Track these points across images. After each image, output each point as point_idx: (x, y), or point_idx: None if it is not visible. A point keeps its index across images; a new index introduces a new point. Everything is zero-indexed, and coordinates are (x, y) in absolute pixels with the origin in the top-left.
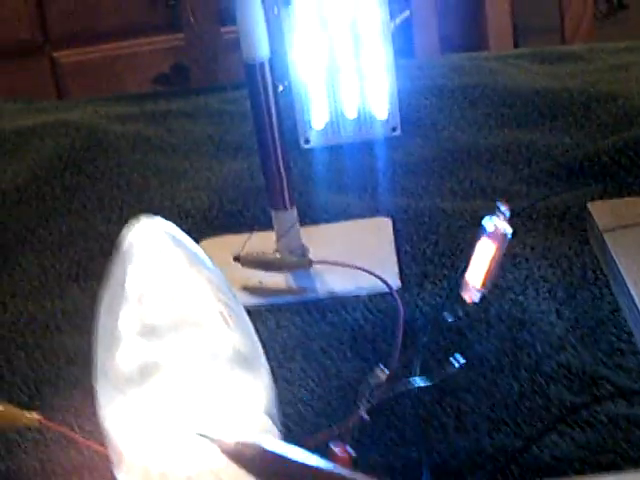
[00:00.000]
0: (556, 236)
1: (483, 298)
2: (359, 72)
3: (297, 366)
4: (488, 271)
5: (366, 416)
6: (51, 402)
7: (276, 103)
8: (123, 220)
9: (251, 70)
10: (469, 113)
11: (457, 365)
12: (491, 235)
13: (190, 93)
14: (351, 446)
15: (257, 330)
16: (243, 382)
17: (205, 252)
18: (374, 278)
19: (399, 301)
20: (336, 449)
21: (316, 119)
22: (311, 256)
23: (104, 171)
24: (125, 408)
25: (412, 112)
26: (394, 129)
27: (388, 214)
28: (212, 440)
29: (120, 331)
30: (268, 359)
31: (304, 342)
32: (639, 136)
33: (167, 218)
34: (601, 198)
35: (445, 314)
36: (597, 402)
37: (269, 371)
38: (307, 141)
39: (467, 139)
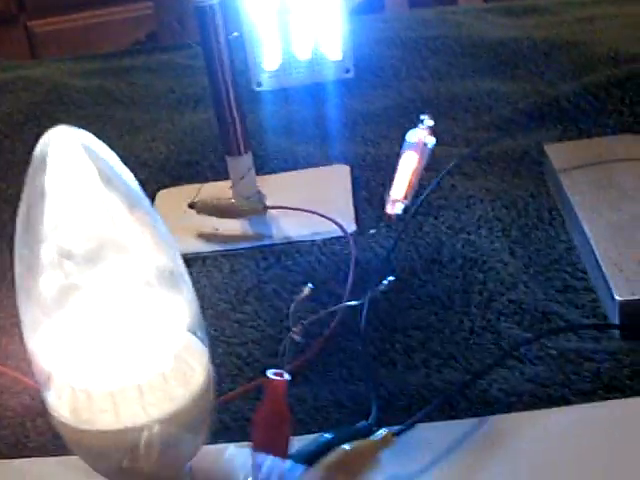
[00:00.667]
0: (513, 179)
1: (406, 211)
2: (311, 13)
3: (250, 308)
4: (410, 182)
5: (299, 338)
6: (5, 350)
7: (228, 46)
8: None
9: (201, 12)
10: (431, 63)
11: (386, 282)
12: (413, 147)
13: (155, 51)
14: (289, 373)
15: (212, 275)
16: (165, 300)
17: (162, 202)
18: (330, 223)
19: (351, 242)
20: (272, 375)
21: (268, 61)
22: (267, 203)
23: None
24: (49, 329)
25: (374, 63)
26: (347, 70)
27: (346, 162)
28: None
29: (40, 254)
30: (222, 303)
31: (258, 286)
32: (599, 81)
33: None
34: (562, 141)
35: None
36: (547, 336)
37: (191, 288)
38: (259, 84)
39: (428, 88)
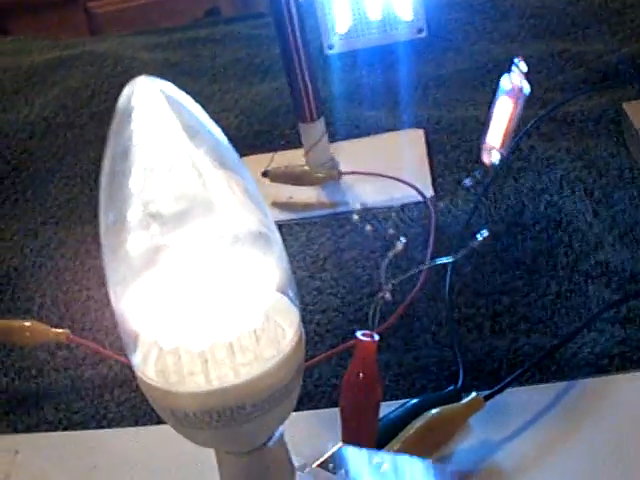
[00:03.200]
0: (592, 139)
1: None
2: None
3: (328, 276)
4: (507, 129)
5: (389, 296)
6: (81, 322)
7: (297, 10)
8: None
9: None
10: (501, 26)
11: (480, 238)
12: (509, 93)
13: (218, 23)
14: (377, 333)
15: (289, 244)
16: (253, 259)
17: None
18: (406, 188)
19: (431, 207)
20: (361, 336)
21: (339, 23)
22: (341, 169)
23: None
24: (137, 289)
25: (443, 27)
26: (420, 30)
27: (420, 126)
28: None
29: (127, 213)
30: (300, 270)
31: (335, 253)
32: None
33: None
34: (637, 99)
35: (465, 180)
36: (636, 297)
37: (282, 248)
38: (331, 47)
39: (499, 51)
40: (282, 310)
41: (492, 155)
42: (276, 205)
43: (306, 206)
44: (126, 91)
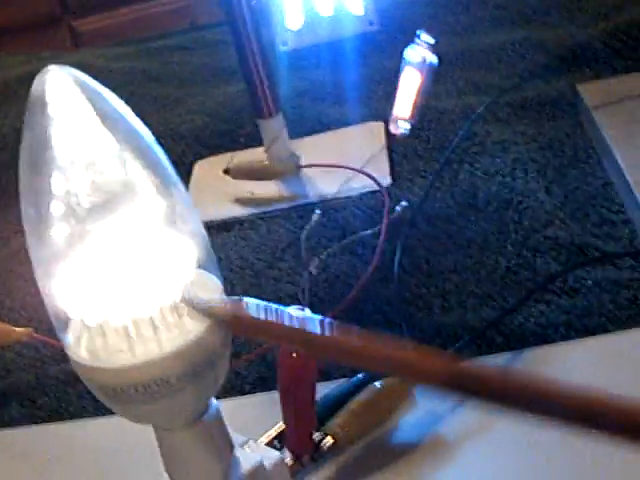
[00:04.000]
0: (548, 121)
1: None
2: None
3: (286, 265)
4: (415, 101)
5: (315, 271)
6: (48, 322)
7: (249, 7)
8: None
9: None
10: (462, 18)
11: (398, 209)
12: (415, 65)
13: (188, 31)
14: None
15: (250, 237)
16: (172, 239)
17: (200, 171)
18: (364, 178)
19: (385, 195)
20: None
21: (291, 20)
22: (303, 163)
23: None
24: (62, 272)
25: (405, 21)
26: (371, 23)
27: (383, 118)
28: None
29: (49, 203)
30: (259, 262)
31: (294, 244)
32: (629, 19)
33: (161, 142)
34: (596, 79)
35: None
36: (581, 267)
37: (200, 225)
38: (284, 43)
39: (461, 42)
40: (205, 285)
41: (400, 126)
42: (238, 201)
43: (267, 200)
44: (38, 80)
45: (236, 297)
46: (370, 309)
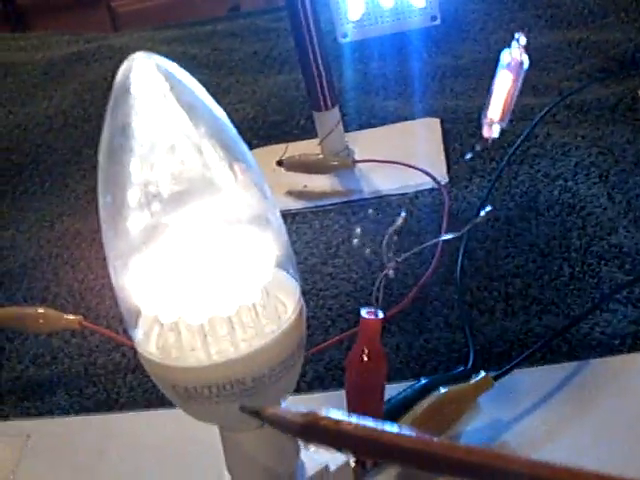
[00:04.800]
0: (608, 126)
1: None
2: None
3: (341, 262)
4: (506, 102)
5: (392, 274)
6: (96, 310)
7: None
8: None
9: None
10: (519, 16)
11: (483, 213)
12: (508, 66)
13: (237, 17)
14: (381, 309)
15: (302, 232)
16: (252, 236)
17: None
18: (421, 175)
19: (445, 193)
20: (365, 314)
21: (352, 11)
22: (356, 157)
23: None
24: (137, 265)
25: (461, 18)
26: (434, 18)
27: (437, 115)
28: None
29: (127, 192)
30: (313, 257)
31: (348, 240)
32: None
33: None
34: None
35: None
36: None
37: (282, 225)
38: (344, 35)
39: None
40: (282, 286)
41: (493, 129)
42: (291, 194)
43: (320, 194)
44: (124, 67)
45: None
46: (430, 311)
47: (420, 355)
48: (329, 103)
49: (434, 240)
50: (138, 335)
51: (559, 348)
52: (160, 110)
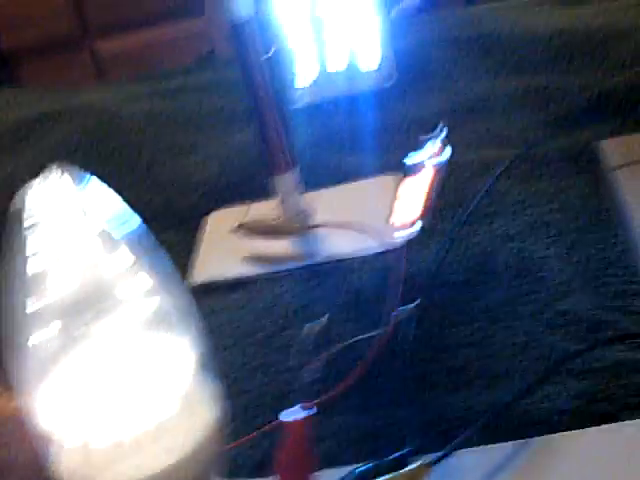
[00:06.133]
0: (569, 179)
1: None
2: (345, 23)
3: (294, 333)
4: (428, 197)
5: (310, 377)
6: None
7: (266, 62)
8: (132, 200)
9: (238, 30)
10: (484, 62)
11: (407, 309)
12: (430, 159)
13: (206, 69)
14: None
15: (257, 299)
16: (168, 344)
17: (213, 224)
18: (380, 236)
19: (401, 257)
20: (286, 417)
21: (303, 75)
22: (316, 219)
23: (113, 152)
24: (45, 387)
25: (425, 65)
26: (387, 78)
27: (398, 171)
28: None
29: (28, 309)
30: (267, 326)
31: (303, 308)
32: None
33: (176, 192)
34: (618, 135)
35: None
36: (592, 348)
37: (198, 326)
38: (296, 99)
39: (482, 88)
40: (200, 395)
41: (405, 230)
42: (250, 259)
43: (278, 259)
44: (18, 196)
45: None
46: (375, 387)
47: (362, 437)
48: (286, 167)
49: (354, 339)
50: (49, 455)
51: (499, 426)
52: (59, 222)
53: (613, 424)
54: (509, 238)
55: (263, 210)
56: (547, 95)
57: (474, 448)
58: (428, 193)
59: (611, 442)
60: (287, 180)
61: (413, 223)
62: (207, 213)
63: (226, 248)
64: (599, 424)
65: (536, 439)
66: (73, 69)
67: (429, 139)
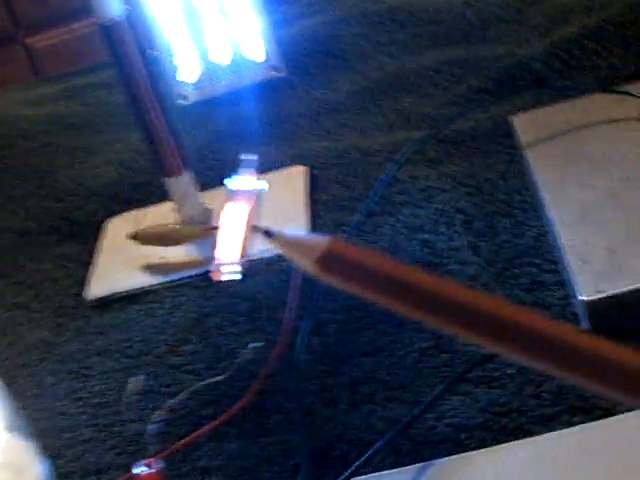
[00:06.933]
0: (482, 160)
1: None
2: (225, 15)
3: (191, 348)
4: (245, 237)
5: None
6: None
7: (143, 63)
8: (30, 210)
9: (107, 31)
10: (397, 36)
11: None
12: (240, 195)
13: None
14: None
15: (154, 313)
16: None
17: (111, 231)
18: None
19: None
20: (138, 471)
21: (188, 73)
22: (216, 220)
23: (10, 161)
24: None
25: (334, 45)
26: (276, 69)
27: (308, 160)
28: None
29: None
30: (160, 345)
31: (200, 321)
32: (571, 36)
33: (74, 200)
34: (534, 108)
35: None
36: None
37: (3, 386)
38: (184, 97)
39: (395, 65)
40: (14, 452)
41: (229, 271)
42: (147, 268)
43: (177, 266)
44: None
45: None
46: (271, 407)
47: (254, 465)
48: (179, 168)
49: (199, 384)
50: None
51: (401, 447)
52: None
53: (525, 439)
54: (413, 230)
55: (162, 214)
56: (462, 68)
57: (373, 475)
58: (246, 231)
59: (524, 460)
60: (180, 182)
61: (234, 264)
62: (106, 221)
63: (123, 258)
64: (510, 439)
65: (440, 461)
66: (7, 65)
67: (249, 162)
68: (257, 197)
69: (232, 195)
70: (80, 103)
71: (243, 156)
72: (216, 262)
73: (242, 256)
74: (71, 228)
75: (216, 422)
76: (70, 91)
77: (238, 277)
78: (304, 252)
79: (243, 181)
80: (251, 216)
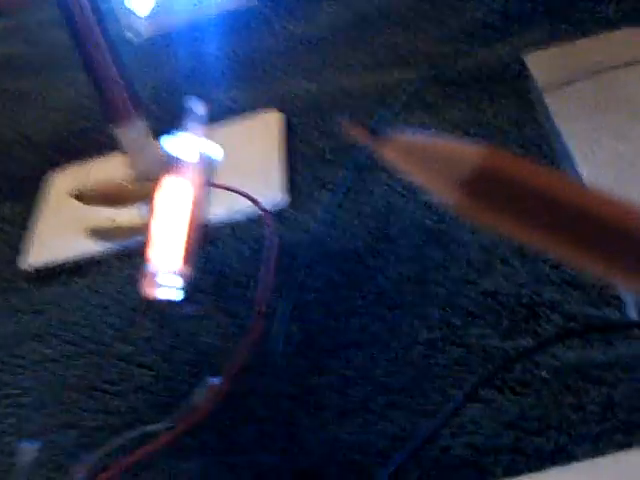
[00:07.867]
0: (491, 103)
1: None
2: None
3: (144, 334)
4: (189, 236)
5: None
6: None
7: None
8: None
9: None
10: None
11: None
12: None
13: None
14: None
15: (102, 289)
16: None
17: (53, 188)
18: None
19: (270, 225)
20: None
21: (140, 2)
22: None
23: None
24: None
25: None
26: None
27: (281, 105)
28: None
29: None
30: (108, 329)
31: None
32: None
33: (13, 154)
34: (546, 45)
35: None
36: (534, 351)
37: None
38: (136, 32)
39: None
40: None
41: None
42: (95, 232)
43: (130, 231)
44: None
45: None
46: (243, 412)
47: None
48: (130, 115)
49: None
50: None
51: (406, 476)
52: None
53: (569, 465)
54: (412, 192)
55: (110, 168)
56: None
57: None
58: (189, 232)
59: None
60: (131, 131)
61: (176, 274)
62: (48, 174)
63: (66, 220)
64: (547, 465)
65: None
66: None
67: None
68: (208, 169)
69: (172, 165)
70: (29, 42)
71: (190, 104)
72: (149, 271)
73: (186, 262)
74: (11, 187)
75: (172, 432)
76: (21, 28)
77: (179, 296)
78: (440, 167)
79: (188, 142)
80: (198, 202)
